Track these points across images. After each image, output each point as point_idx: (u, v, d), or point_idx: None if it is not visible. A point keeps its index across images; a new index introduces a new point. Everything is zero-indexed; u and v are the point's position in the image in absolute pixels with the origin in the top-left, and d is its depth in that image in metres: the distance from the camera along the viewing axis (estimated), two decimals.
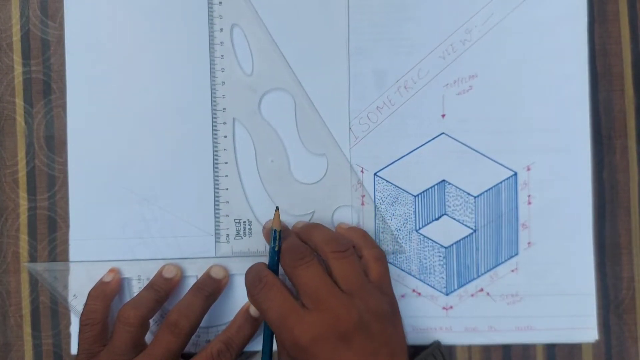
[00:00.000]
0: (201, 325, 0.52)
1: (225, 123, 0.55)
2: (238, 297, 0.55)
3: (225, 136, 0.55)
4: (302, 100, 0.55)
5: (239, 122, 0.55)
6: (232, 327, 0.52)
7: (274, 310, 0.47)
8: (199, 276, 0.54)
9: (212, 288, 0.53)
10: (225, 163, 0.55)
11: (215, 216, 0.55)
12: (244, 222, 0.55)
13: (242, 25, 0.55)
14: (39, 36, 0.56)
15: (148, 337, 0.52)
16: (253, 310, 0.52)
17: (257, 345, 0.54)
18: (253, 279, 0.49)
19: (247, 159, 0.55)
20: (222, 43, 0.55)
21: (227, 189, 0.55)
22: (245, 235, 0.55)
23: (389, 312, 0.49)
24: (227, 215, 0.55)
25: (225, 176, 0.55)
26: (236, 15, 0.55)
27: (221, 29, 0.55)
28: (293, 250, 0.49)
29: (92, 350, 0.51)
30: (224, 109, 0.55)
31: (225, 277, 0.54)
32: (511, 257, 0.55)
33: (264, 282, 0.48)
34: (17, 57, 0.56)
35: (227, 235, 0.55)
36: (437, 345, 0.54)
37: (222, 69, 0.55)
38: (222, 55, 0.55)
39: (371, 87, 0.56)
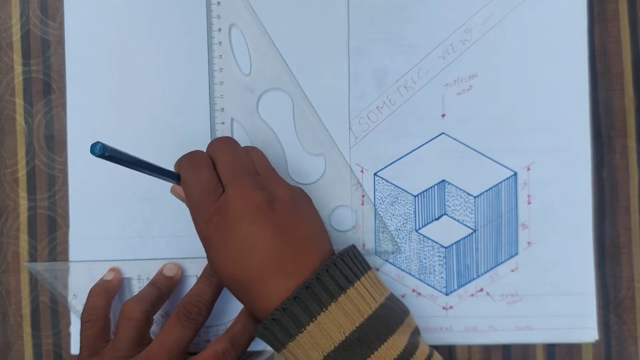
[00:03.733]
0: None
1: (223, 123, 0.55)
2: None
3: None
4: (299, 100, 0.55)
5: (237, 122, 0.55)
6: (237, 325, 0.52)
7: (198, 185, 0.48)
8: (199, 276, 0.54)
9: None
10: None
11: None
12: None
13: (240, 25, 0.55)
14: (39, 36, 0.56)
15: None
16: None
17: (258, 345, 0.54)
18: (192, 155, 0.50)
19: None
20: (220, 43, 0.55)
21: None
22: None
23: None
24: None
25: None
26: (234, 16, 0.55)
27: (219, 29, 0.55)
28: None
29: (95, 347, 0.51)
30: (222, 109, 0.55)
31: None
32: (511, 257, 0.55)
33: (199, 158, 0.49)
34: (17, 57, 0.56)
35: None
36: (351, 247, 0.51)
37: (220, 68, 0.55)
38: (221, 55, 0.55)
39: (371, 87, 0.56)
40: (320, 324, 0.45)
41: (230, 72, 0.55)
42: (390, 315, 0.47)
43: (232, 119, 0.55)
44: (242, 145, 0.50)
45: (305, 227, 0.47)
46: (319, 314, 0.45)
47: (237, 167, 0.48)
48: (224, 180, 0.47)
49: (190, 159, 0.49)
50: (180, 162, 0.49)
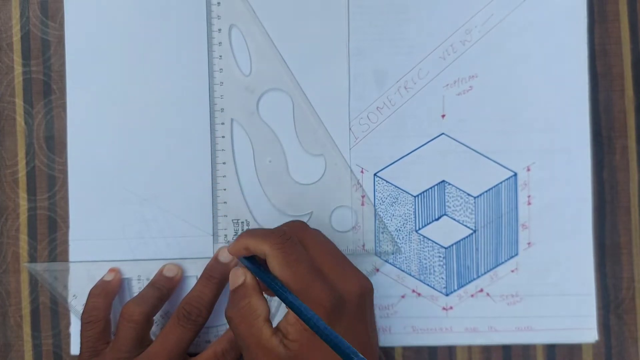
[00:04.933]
0: None
1: (223, 123, 0.55)
2: None
3: (223, 136, 0.55)
4: (300, 101, 0.55)
5: (237, 122, 0.55)
6: None
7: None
8: (199, 276, 0.54)
9: (221, 273, 0.52)
10: (224, 163, 0.55)
11: (213, 216, 0.55)
12: (242, 222, 0.55)
13: (240, 25, 0.55)
14: (39, 36, 0.56)
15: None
16: None
17: None
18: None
19: (245, 159, 0.55)
20: (220, 43, 0.55)
21: (225, 190, 0.55)
22: None
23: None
24: (225, 216, 0.55)
25: (224, 176, 0.55)
26: (234, 16, 0.55)
27: (219, 30, 0.55)
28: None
29: (96, 348, 0.51)
30: (222, 110, 0.55)
31: (233, 259, 0.53)
32: (511, 257, 0.55)
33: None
34: (17, 57, 0.56)
35: (225, 236, 0.55)
36: None
37: (220, 69, 0.55)
38: (221, 56, 0.55)
39: (371, 87, 0.56)
40: None
41: (230, 72, 0.55)
42: None
43: (232, 120, 0.55)
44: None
45: None
46: None
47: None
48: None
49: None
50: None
